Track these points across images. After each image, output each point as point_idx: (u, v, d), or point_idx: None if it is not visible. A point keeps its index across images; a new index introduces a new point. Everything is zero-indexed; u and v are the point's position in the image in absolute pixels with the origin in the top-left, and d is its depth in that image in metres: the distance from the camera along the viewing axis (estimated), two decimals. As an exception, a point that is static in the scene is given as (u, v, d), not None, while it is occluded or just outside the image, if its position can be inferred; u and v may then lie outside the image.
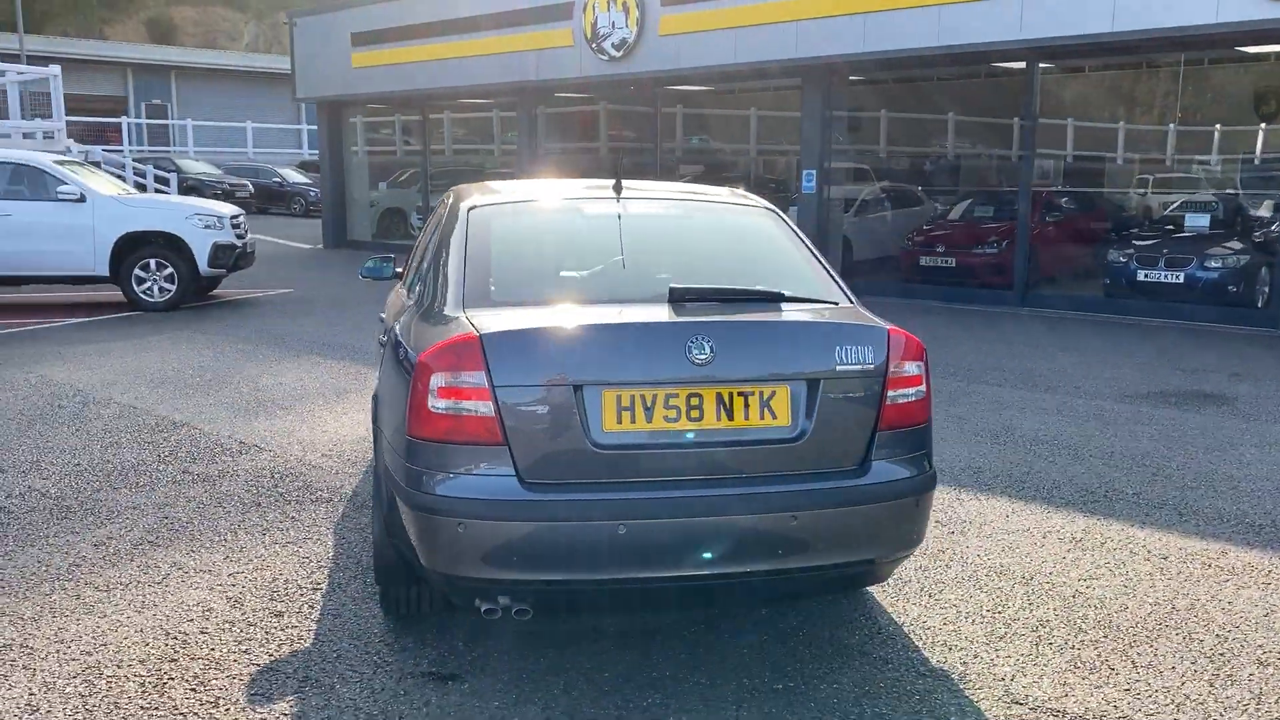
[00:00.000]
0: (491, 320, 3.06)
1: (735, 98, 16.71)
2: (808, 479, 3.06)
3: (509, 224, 3.73)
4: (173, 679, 3.26)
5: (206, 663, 3.37)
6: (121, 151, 31.66)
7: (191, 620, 3.69)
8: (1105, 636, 3.66)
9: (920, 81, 16.53)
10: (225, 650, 3.46)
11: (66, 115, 35.05)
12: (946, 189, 17.65)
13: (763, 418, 3.03)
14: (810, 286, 3.52)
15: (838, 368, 3.10)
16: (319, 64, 20.89)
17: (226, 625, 3.65)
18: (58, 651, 3.43)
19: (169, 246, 12.03)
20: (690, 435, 2.99)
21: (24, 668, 3.32)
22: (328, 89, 21.01)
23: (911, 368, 3.22)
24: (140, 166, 27.82)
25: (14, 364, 8.52)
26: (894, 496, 3.14)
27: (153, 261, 12.01)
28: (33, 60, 39.84)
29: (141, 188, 27.07)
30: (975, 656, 3.49)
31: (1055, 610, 3.87)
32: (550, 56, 16.84)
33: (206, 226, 12.22)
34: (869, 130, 17.97)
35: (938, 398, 7.39)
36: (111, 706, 3.08)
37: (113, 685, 3.21)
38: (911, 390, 3.21)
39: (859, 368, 3.12)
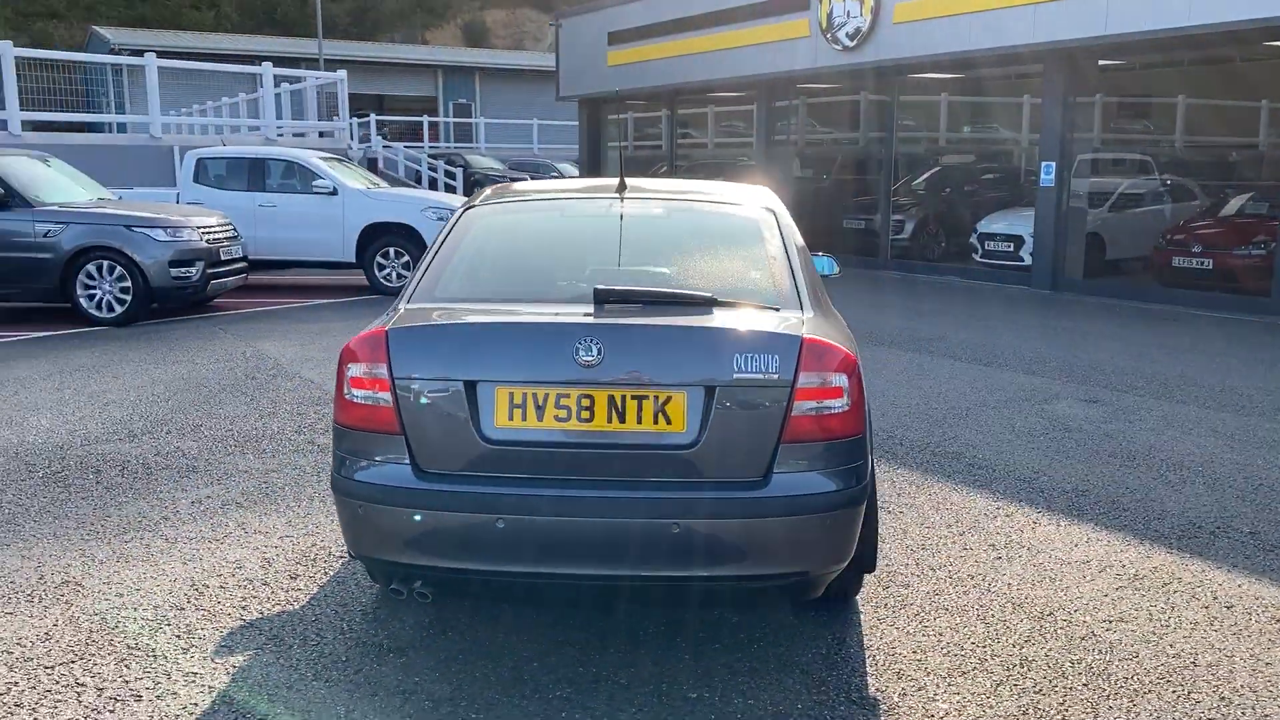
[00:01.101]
0: (410, 316, 3.24)
1: (979, 84, 15.84)
2: (700, 487, 3.01)
3: (489, 224, 3.88)
4: (168, 624, 3.69)
5: (205, 614, 3.78)
6: (422, 148, 34.48)
7: (219, 575, 4.13)
8: (1084, 685, 3.32)
9: (1217, 64, 14.98)
10: (228, 604, 3.86)
11: (386, 114, 38.36)
12: (1248, 182, 15.89)
13: (656, 423, 3.02)
14: (762, 292, 3.43)
15: (736, 376, 3.02)
16: (579, 63, 21.85)
17: (245, 583, 4.06)
18: (99, 591, 3.97)
19: (406, 236, 13.12)
20: (579, 437, 3.02)
21: (65, 603, 3.87)
22: (586, 87, 21.93)
23: (831, 379, 3.07)
24: (433, 161, 30.24)
25: (245, 337, 9.66)
26: (798, 511, 3.02)
27: (391, 250, 13.14)
28: (355, 64, 44.19)
29: (433, 182, 29.40)
30: (920, 690, 3.28)
31: (1049, 651, 3.55)
32: (786, 48, 16.73)
33: (440, 218, 13.17)
34: (1161, 118, 16.47)
35: (1147, 420, 6.85)
36: (105, 643, 3.54)
37: (119, 625, 3.68)
38: (829, 402, 3.07)
39: (760, 377, 3.02)
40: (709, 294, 3.28)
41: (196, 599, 3.91)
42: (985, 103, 16.54)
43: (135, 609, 3.81)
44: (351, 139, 18.80)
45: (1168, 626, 3.75)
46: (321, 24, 42.67)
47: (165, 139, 16.02)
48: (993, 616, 3.81)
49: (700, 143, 21.54)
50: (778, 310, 3.33)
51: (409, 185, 30.05)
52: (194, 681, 3.28)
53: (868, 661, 3.46)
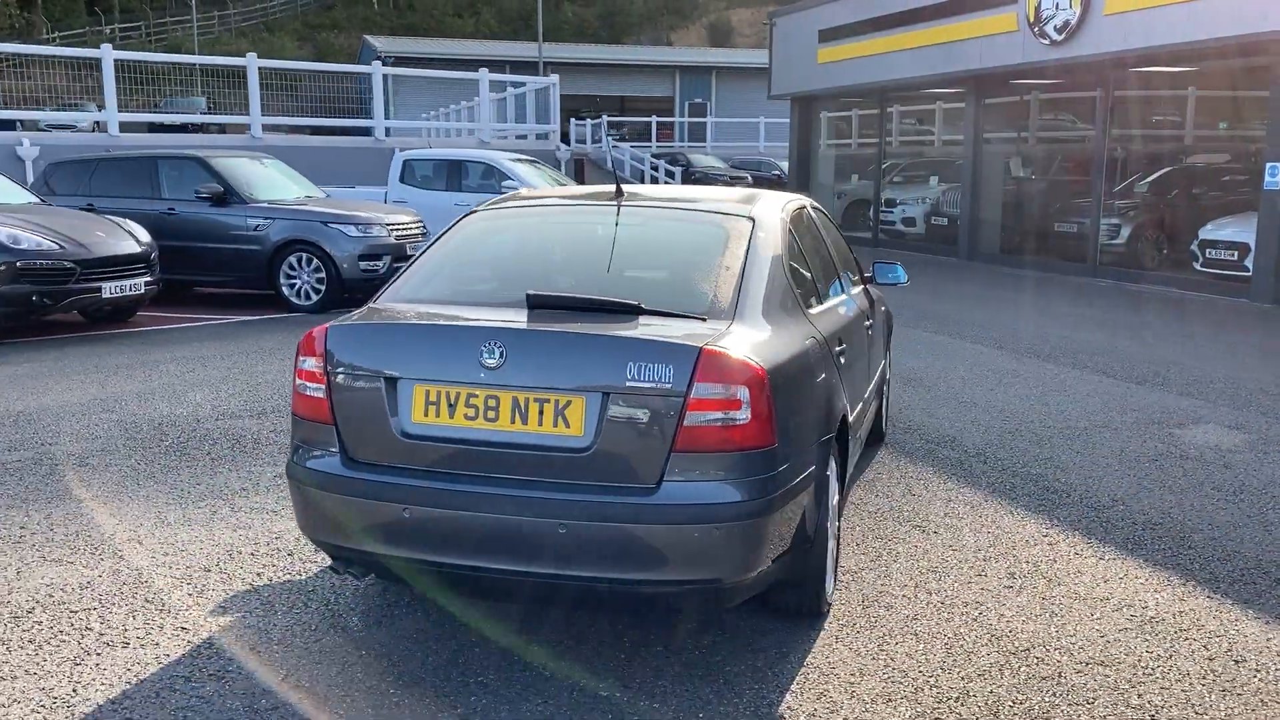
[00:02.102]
0: (363, 315, 3.49)
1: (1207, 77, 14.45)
2: (591, 491, 3.08)
3: (473, 229, 4.08)
4: (188, 583, 4.13)
5: (224, 577, 4.21)
6: (649, 147, 35.29)
7: (256, 544, 4.56)
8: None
9: None
10: (249, 570, 4.27)
11: (627, 115, 39.41)
12: None
13: (556, 426, 3.12)
14: (697, 302, 3.44)
15: (628, 384, 3.07)
16: (791, 61, 21.74)
17: (274, 552, 4.47)
18: (152, 549, 4.48)
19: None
20: (484, 435, 3.17)
21: (117, 556, 4.40)
22: (797, 85, 21.79)
23: (730, 391, 3.06)
24: (656, 160, 30.90)
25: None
26: (690, 520, 3.03)
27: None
28: (597, 66, 45.72)
29: (653, 180, 30.02)
30: (832, 713, 3.21)
31: (997, 688, 3.36)
32: (994, 43, 16.02)
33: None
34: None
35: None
36: (129, 595, 4.02)
37: (149, 581, 4.16)
38: (727, 414, 3.06)
39: (652, 385, 3.06)
40: (636, 302, 3.34)
41: (225, 563, 4.34)
42: (1215, 98, 15.15)
43: (170, 567, 4.29)
44: (561, 141, 19.53)
45: (1149, 675, 3.46)
46: (567, 29, 44.48)
47: (388, 142, 17.29)
48: (961, 647, 3.65)
49: (911, 141, 20.91)
50: (704, 320, 3.34)
51: (630, 184, 30.83)
52: (178, 635, 3.68)
53: (798, 679, 3.41)
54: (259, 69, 16.11)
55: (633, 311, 3.33)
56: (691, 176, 30.97)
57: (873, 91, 20.09)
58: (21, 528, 4.71)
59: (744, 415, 3.08)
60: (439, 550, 3.19)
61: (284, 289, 11.59)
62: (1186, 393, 7.73)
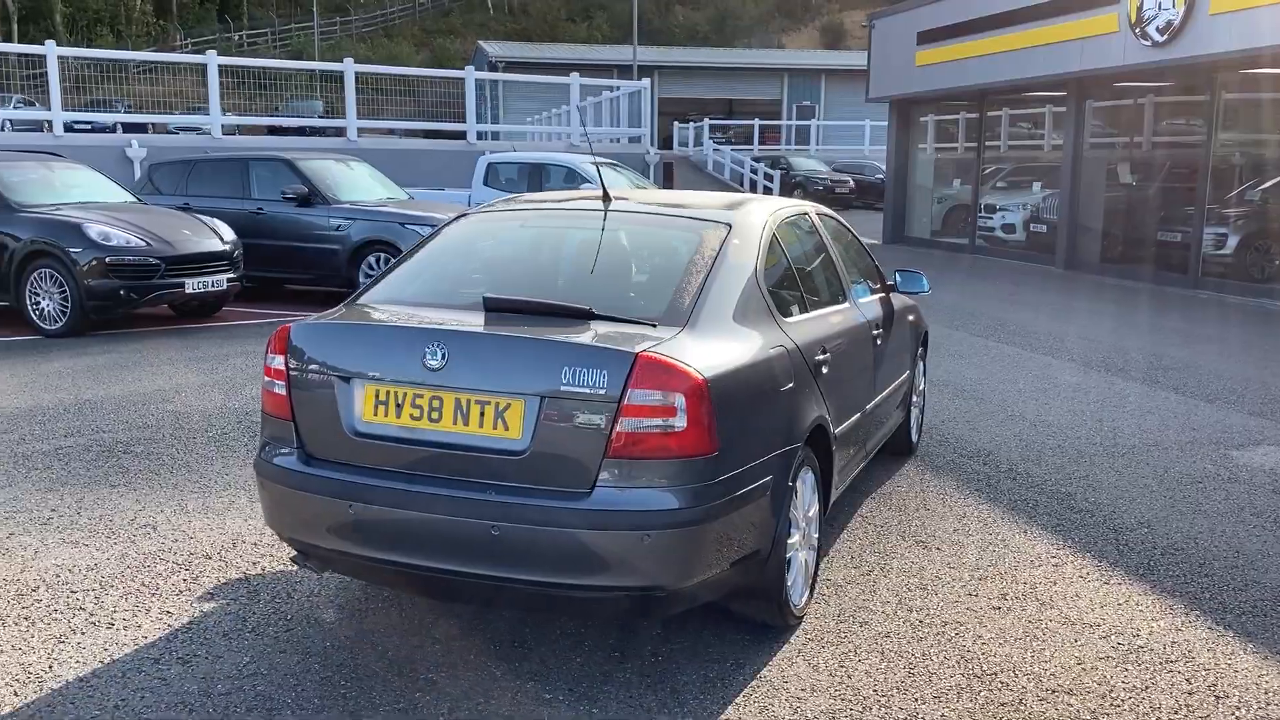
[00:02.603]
0: (331, 314, 3.58)
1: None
2: (525, 494, 3.10)
3: (458, 232, 4.13)
4: (187, 570, 4.30)
5: (221, 565, 4.37)
6: (751, 150, 35.15)
7: (259, 534, 4.71)
8: (949, 751, 3.05)
9: None
10: (247, 559, 4.42)
11: (736, 118, 39.38)
12: None
13: (496, 428, 3.15)
14: (650, 307, 3.43)
15: (563, 388, 3.08)
16: (889, 63, 21.37)
17: (274, 542, 4.59)
18: (164, 535, 4.68)
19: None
20: (428, 435, 3.22)
21: (130, 541, 4.61)
22: (895, 88, 21.40)
23: (665, 398, 3.04)
24: (756, 164, 30.74)
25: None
26: (622, 525, 3.03)
27: (646, 250, 13.71)
28: (705, 70, 45.68)
29: (752, 185, 29.89)
30: (769, 726, 3.17)
31: (947, 712, 3.26)
32: (1093, 45, 15.47)
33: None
34: None
35: None
36: (129, 578, 4.20)
37: (151, 565, 4.34)
38: (663, 420, 3.04)
39: (586, 390, 3.06)
40: (587, 307, 3.35)
41: (227, 551, 4.50)
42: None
43: (175, 554, 4.47)
44: (664, 145, 19.59)
45: (1116, 707, 3.31)
46: (678, 32, 44.56)
47: (479, 145, 17.63)
48: (925, 668, 3.55)
49: (1012, 146, 20.31)
50: (654, 327, 3.32)
51: (734, 189, 30.78)
52: (161, 619, 3.84)
53: (745, 691, 3.37)
54: (355, 74, 16.60)
55: (584, 316, 3.34)
56: (792, 180, 30.73)
57: (971, 94, 19.58)
58: (52, 510, 4.98)
59: (680, 422, 3.06)
60: (382, 548, 3.26)
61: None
62: (1258, 412, 7.33)
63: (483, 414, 3.16)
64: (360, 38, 51.74)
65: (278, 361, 3.47)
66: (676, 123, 39.75)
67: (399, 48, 49.82)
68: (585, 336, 3.20)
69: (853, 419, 4.43)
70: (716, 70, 46.83)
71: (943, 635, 3.80)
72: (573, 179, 14.31)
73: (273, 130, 21.69)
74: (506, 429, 3.14)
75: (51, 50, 14.60)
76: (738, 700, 3.32)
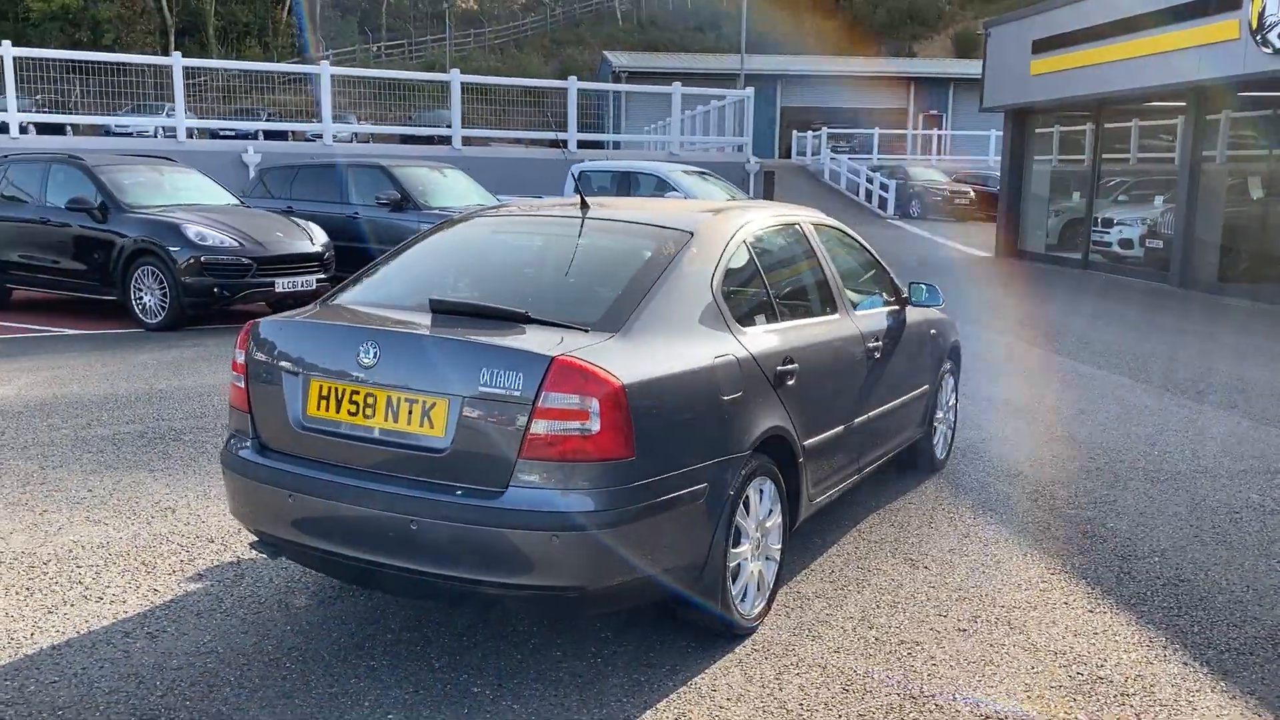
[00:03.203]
0: (298, 313, 3.75)
1: None
2: (443, 490, 3.19)
3: (440, 236, 4.26)
4: (186, 551, 4.55)
5: (219, 547, 4.60)
6: (870, 159, 34.65)
7: (267, 521, 4.94)
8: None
9: None
10: (241, 544, 4.63)
11: (859, 128, 38.94)
12: None
13: (422, 426, 3.25)
14: (587, 312, 3.48)
15: (481, 389, 3.16)
16: (1004, 72, 20.80)
17: (278, 530, 4.83)
18: (179, 518, 4.95)
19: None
20: (361, 430, 3.35)
21: (146, 522, 4.89)
22: (1009, 97, 20.82)
23: (579, 401, 3.08)
24: (871, 174, 30.29)
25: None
26: (529, 525, 3.09)
27: (731, 260, 13.70)
28: (827, 78, 45.22)
29: (867, 194, 29.44)
30: (678, 732, 3.18)
31: (866, 729, 3.21)
32: (1212, 53, 14.75)
33: (777, 231, 13.50)
34: None
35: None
36: (132, 556, 4.47)
37: (157, 546, 4.61)
38: (577, 424, 3.09)
39: (502, 392, 3.13)
40: (523, 311, 3.42)
41: (228, 537, 4.74)
42: None
43: (182, 536, 4.73)
44: (753, 153, 19.55)
45: (1046, 737, 3.20)
46: (808, 40, 44.26)
47: (578, 153, 17.92)
48: (863, 686, 3.49)
49: (1130, 157, 19.49)
50: (587, 331, 3.37)
51: (850, 199, 30.40)
52: (147, 596, 4.08)
53: (670, 697, 3.38)
54: (461, 84, 17.09)
55: (520, 320, 3.42)
56: (909, 191, 30.15)
57: (1087, 104, 18.89)
58: (89, 490, 5.32)
59: (594, 426, 3.10)
60: (316, 537, 3.41)
61: (448, 290, 12.27)
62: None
63: (411, 411, 3.27)
64: (492, 49, 53.08)
65: (240, 356, 3.66)
66: (796, 131, 39.48)
67: (528, 59, 50.87)
68: (507, 339, 3.27)
69: (833, 431, 4.38)
70: (841, 78, 46.28)
71: (894, 654, 3.73)
72: (662, 188, 14.40)
73: (405, 139, 22.48)
74: (431, 427, 3.24)
75: (177, 61, 15.51)
76: (659, 705, 3.34)
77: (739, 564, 3.76)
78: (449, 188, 13.23)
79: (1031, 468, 6.15)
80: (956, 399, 6.31)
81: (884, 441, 5.07)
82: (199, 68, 18.26)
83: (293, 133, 23.61)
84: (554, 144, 18.81)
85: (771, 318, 4.11)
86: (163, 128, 17.22)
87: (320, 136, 16.75)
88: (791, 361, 4.01)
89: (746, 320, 3.91)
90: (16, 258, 11.50)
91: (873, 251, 5.42)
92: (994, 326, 11.79)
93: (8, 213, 11.59)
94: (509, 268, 4.07)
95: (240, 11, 46.19)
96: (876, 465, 5.09)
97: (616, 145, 29.26)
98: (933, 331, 5.70)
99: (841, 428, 4.47)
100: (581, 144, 19.05)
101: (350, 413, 3.37)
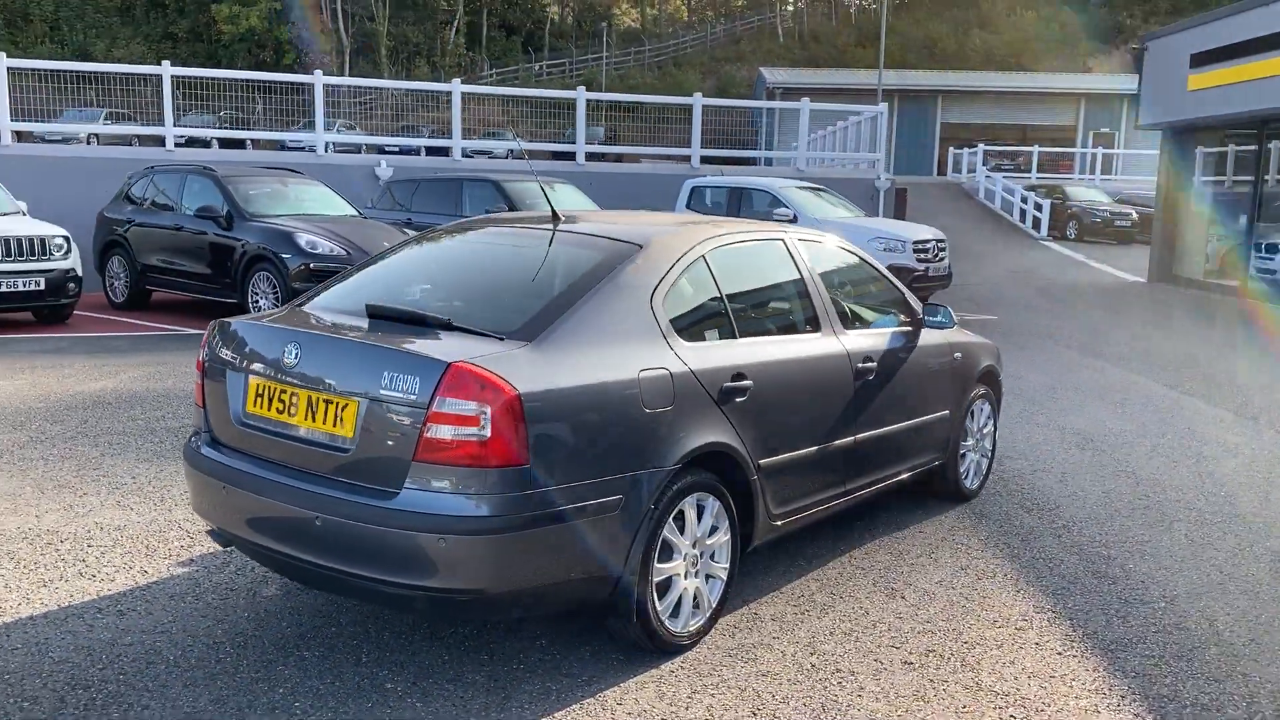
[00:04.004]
0: (261, 316, 3.94)
1: None
2: (344, 489, 3.29)
3: (416, 245, 4.39)
4: (187, 536, 4.82)
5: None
6: (1026, 178, 33.37)
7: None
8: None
9: None
10: (247, 534, 4.89)
11: (1026, 145, 37.65)
12: None
13: (335, 425, 3.37)
14: (506, 320, 3.52)
15: (382, 392, 3.24)
16: (1161, 88, 19.74)
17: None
18: (182, 505, 5.25)
19: (852, 266, 13.36)
20: (285, 427, 3.49)
21: (153, 504, 5.21)
22: (1166, 114, 19.73)
23: (471, 407, 3.13)
24: (1026, 193, 29.17)
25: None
26: (420, 527, 3.15)
27: (838, 278, 13.49)
28: (977, 95, 43.81)
29: (1021, 215, 28.32)
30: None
31: (752, 755, 3.13)
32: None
33: (886, 249, 13.22)
34: None
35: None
36: (122, 538, 4.77)
37: (151, 530, 4.90)
38: (468, 429, 3.14)
39: (400, 395, 3.21)
40: (446, 318, 3.51)
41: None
42: None
43: (191, 523, 5.01)
44: (883, 171, 19.12)
45: (940, 779, 3.04)
46: (974, 55, 43.04)
47: (701, 168, 17.97)
48: (770, 712, 3.40)
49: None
50: (502, 340, 3.41)
51: (1004, 219, 29.34)
52: (135, 577, 4.35)
53: (575, 706, 3.38)
54: (586, 100, 17.43)
55: (443, 326, 3.50)
56: (1067, 211, 28.88)
57: (1250, 121, 17.69)
58: (132, 478, 5.71)
59: (486, 432, 3.15)
60: (243, 528, 3.57)
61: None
62: None
63: (326, 411, 3.40)
64: (650, 67, 53.74)
65: (202, 355, 3.88)
66: (953, 149, 38.41)
67: (685, 76, 51.21)
68: (412, 344, 3.36)
69: (803, 452, 4.28)
70: (1003, 95, 44.79)
71: (823, 684, 3.62)
72: (775, 204, 14.29)
73: (557, 155, 23.12)
74: (341, 426, 3.36)
75: (319, 80, 16.40)
76: (557, 714, 3.34)
77: (669, 580, 3.72)
78: (556, 202, 13.47)
79: (1071, 502, 5.82)
80: (995, 427, 6.04)
81: (883, 466, 4.91)
82: (338, 85, 19.24)
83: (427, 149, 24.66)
84: (513, 154, 19.01)
85: (727, 333, 4.06)
86: (332, 143, 18.32)
87: (449, 152, 17.33)
88: (744, 378, 3.95)
89: (692, 335, 3.88)
90: (156, 261, 12.41)
91: (884, 272, 5.26)
92: (1111, 355, 11.19)
93: (150, 220, 12.52)
94: (462, 276, 4.16)
95: (410, 32, 48.32)
96: (876, 490, 4.93)
97: (769, 162, 29.17)
98: (957, 355, 5.48)
99: (815, 448, 4.37)
100: (712, 160, 19.08)
101: (278, 410, 3.53)
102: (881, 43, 35.07)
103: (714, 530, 3.91)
